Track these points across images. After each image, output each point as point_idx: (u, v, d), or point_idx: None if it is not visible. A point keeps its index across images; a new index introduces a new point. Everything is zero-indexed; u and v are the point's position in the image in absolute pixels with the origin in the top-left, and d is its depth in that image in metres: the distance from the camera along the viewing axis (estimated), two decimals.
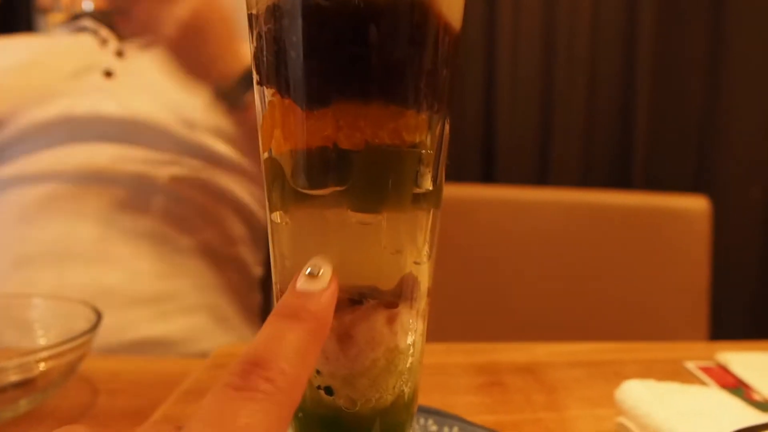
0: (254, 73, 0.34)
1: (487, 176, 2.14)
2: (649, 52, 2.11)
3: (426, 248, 0.35)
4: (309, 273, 0.31)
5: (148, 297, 1.01)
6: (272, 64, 0.32)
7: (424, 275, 0.35)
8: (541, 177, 2.14)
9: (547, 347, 0.83)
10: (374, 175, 0.32)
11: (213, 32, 0.94)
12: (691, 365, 0.76)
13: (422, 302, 0.35)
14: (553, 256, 1.41)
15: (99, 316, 0.64)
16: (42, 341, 0.70)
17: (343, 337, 0.33)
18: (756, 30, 2.13)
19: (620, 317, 1.37)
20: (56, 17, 1.63)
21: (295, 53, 0.31)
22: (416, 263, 0.34)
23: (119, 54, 1.27)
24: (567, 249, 1.41)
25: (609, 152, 2.16)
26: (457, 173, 2.06)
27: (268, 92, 0.33)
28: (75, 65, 1.23)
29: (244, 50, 0.96)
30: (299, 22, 0.30)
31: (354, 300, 0.33)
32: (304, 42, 0.30)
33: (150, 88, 1.16)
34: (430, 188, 0.34)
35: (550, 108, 2.15)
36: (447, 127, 0.34)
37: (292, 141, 0.32)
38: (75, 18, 1.44)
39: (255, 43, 0.33)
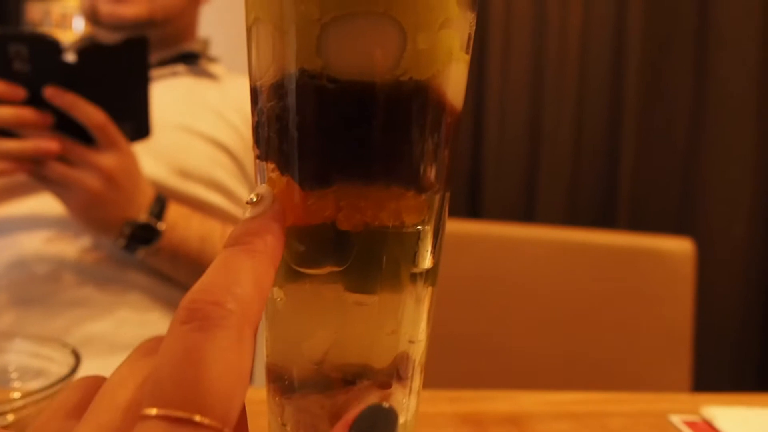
0: (254, 147, 0.33)
1: (474, 213, 2.14)
2: (635, 94, 2.13)
3: (422, 326, 0.34)
4: (249, 202, 0.31)
5: (132, 344, 1.00)
6: (273, 141, 0.32)
7: (419, 352, 0.35)
8: (528, 215, 2.14)
9: (531, 396, 0.82)
10: (372, 256, 0.31)
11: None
12: (676, 419, 0.76)
13: (417, 380, 0.35)
14: (537, 295, 1.41)
15: (78, 360, 0.63)
16: (16, 384, 0.68)
17: (335, 419, 0.32)
18: (739, 69, 2.15)
19: (604, 358, 1.37)
20: None
21: (297, 133, 0.30)
22: (411, 342, 0.34)
23: None
24: (551, 288, 1.41)
25: (595, 191, 2.17)
26: None
27: (267, 167, 0.32)
28: None
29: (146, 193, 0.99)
30: (303, 102, 0.30)
31: (347, 380, 0.32)
32: (306, 122, 0.30)
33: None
34: (428, 267, 0.34)
35: (537, 147, 2.16)
36: (446, 205, 0.34)
37: (291, 219, 0.31)
38: None
39: (257, 117, 0.33)
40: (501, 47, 2.15)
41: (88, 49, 0.92)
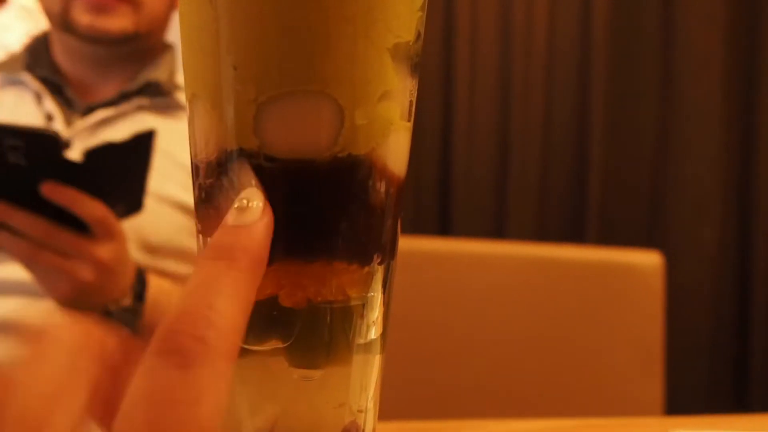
0: (196, 220, 0.33)
1: (444, 229, 2.15)
2: (601, 106, 2.15)
3: (371, 394, 0.34)
4: (238, 207, 0.28)
5: None
6: (213, 217, 0.31)
7: (369, 421, 0.34)
8: (498, 230, 2.15)
9: (500, 425, 0.82)
10: (317, 331, 0.31)
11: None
12: None
13: None
14: (506, 312, 1.41)
15: None
16: None
17: None
18: (702, 75, 2.17)
19: (574, 376, 1.38)
20: None
21: None
22: (360, 411, 0.34)
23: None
24: (520, 305, 1.41)
25: (564, 205, 2.18)
26: (413, 226, 2.06)
27: (207, 243, 0.32)
28: None
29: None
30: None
31: None
32: None
33: None
34: (376, 337, 0.33)
35: (506, 161, 2.17)
36: (393, 272, 0.34)
37: None
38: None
39: (197, 193, 0.32)
40: (468, 59, 2.16)
41: (96, 149, 0.88)
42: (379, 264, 0.32)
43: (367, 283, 0.32)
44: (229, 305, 0.25)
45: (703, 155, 2.15)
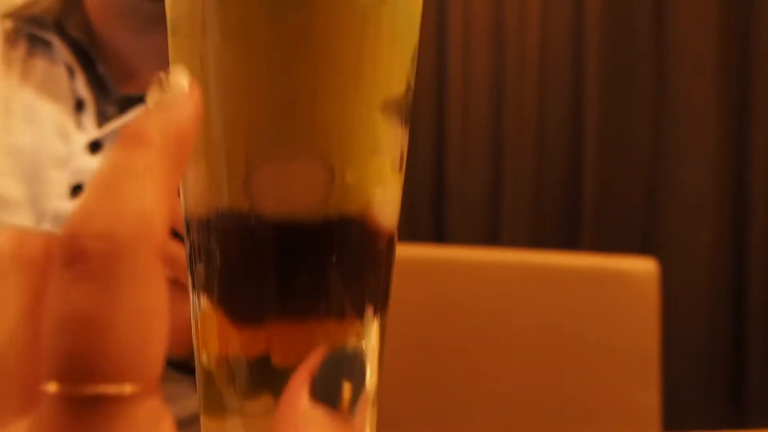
0: (188, 274, 0.33)
1: (438, 235, 2.15)
2: (596, 109, 2.15)
3: None
4: (157, 84, 0.23)
5: None
6: (204, 274, 0.31)
7: None
8: (493, 236, 2.15)
9: None
10: None
11: None
12: None
13: None
14: (501, 319, 1.41)
15: None
16: None
17: None
18: (697, 78, 2.17)
19: (571, 383, 1.38)
20: None
21: (227, 270, 0.30)
22: None
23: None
24: (516, 313, 1.41)
25: (558, 211, 2.18)
26: (408, 233, 2.06)
27: (199, 299, 0.32)
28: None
29: None
30: (231, 240, 0.30)
31: None
32: (235, 260, 0.30)
33: None
34: (370, 388, 0.33)
35: (500, 167, 2.17)
36: (385, 325, 0.34)
37: (223, 353, 0.31)
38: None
39: (188, 248, 0.32)
40: (461, 67, 2.16)
41: None
42: (372, 316, 0.32)
43: (359, 337, 0.32)
44: (140, 191, 0.20)
45: (697, 160, 2.15)
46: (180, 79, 0.24)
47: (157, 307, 0.20)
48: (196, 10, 0.29)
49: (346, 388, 0.24)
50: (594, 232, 2.15)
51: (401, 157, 0.33)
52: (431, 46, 2.15)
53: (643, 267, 1.40)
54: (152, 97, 0.24)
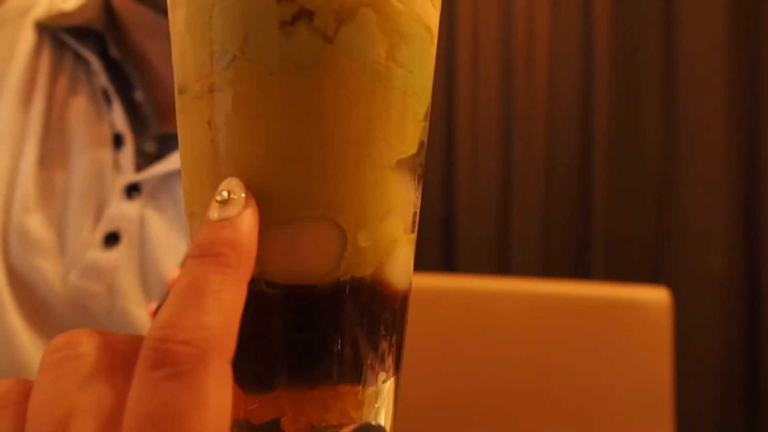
0: None
1: (448, 264, 2.14)
2: (604, 138, 2.14)
3: None
4: (219, 199, 0.26)
5: None
6: None
7: None
8: (503, 265, 2.14)
9: None
10: None
11: None
12: None
13: None
14: (513, 349, 1.40)
15: None
16: None
17: None
18: (706, 98, 2.16)
19: (583, 413, 1.36)
20: None
21: (237, 336, 0.29)
22: None
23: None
24: (527, 342, 1.40)
25: (568, 239, 2.17)
26: (418, 263, 2.05)
27: None
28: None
29: None
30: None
31: None
32: (245, 327, 0.29)
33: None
34: None
35: (509, 196, 2.17)
36: (398, 388, 0.33)
37: (234, 417, 0.30)
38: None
39: None
40: (469, 98, 2.16)
41: None
42: (384, 382, 0.31)
43: (371, 404, 0.31)
44: (218, 303, 0.24)
45: (708, 185, 2.14)
46: (239, 192, 0.27)
47: (226, 407, 0.23)
48: (204, 73, 0.28)
49: None
50: (605, 259, 2.13)
51: (414, 217, 0.32)
52: (439, 77, 2.15)
53: (656, 296, 1.39)
54: (214, 209, 0.26)
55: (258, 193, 0.28)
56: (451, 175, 2.18)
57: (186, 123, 0.30)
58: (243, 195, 0.27)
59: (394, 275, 0.31)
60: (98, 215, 0.81)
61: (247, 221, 0.26)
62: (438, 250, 2.16)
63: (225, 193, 0.27)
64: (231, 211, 0.26)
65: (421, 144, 0.31)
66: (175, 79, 0.31)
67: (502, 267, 2.14)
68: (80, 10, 0.88)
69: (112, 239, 0.80)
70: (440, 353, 1.40)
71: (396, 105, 0.29)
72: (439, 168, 2.18)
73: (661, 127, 2.16)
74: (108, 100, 0.85)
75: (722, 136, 2.15)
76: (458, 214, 2.16)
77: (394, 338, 0.31)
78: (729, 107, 2.13)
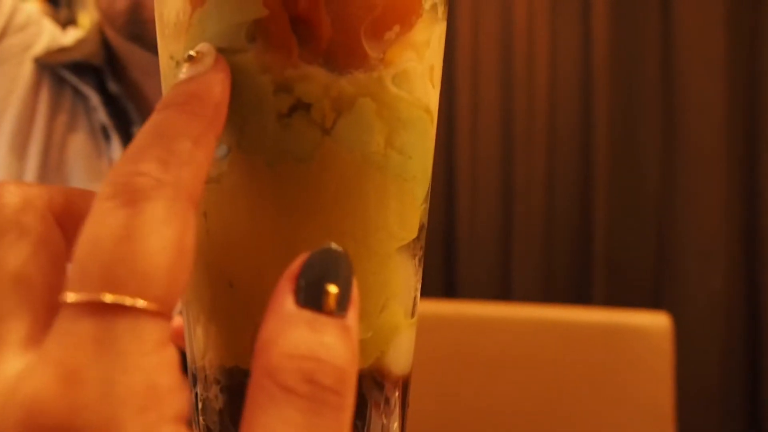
0: (193, 426, 0.31)
1: (449, 290, 2.14)
2: (604, 159, 2.14)
3: None
4: (188, 58, 0.25)
5: None
6: (207, 430, 0.30)
7: None
8: (504, 291, 2.14)
9: None
10: None
11: None
12: None
13: None
14: (514, 375, 1.40)
15: None
16: None
17: None
18: (705, 122, 2.16)
19: None
20: None
21: (234, 429, 0.29)
22: None
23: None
24: (528, 368, 1.40)
25: (569, 264, 2.17)
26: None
27: None
28: None
29: None
30: (238, 400, 0.28)
31: None
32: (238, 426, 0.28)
33: None
34: None
35: (510, 221, 2.17)
36: None
37: None
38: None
39: (194, 400, 0.31)
40: (469, 122, 2.16)
41: None
42: None
43: None
44: (181, 146, 0.23)
45: (708, 208, 2.14)
46: (209, 51, 0.26)
47: (184, 242, 0.21)
48: None
49: (332, 289, 0.23)
50: (606, 283, 2.13)
51: (415, 300, 0.32)
52: (440, 96, 2.14)
53: (656, 322, 1.39)
54: (185, 69, 0.25)
55: (254, 288, 0.28)
56: (452, 200, 2.18)
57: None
58: (212, 54, 0.26)
59: (395, 363, 0.30)
60: None
61: (219, 80, 0.25)
62: (439, 274, 2.16)
63: (193, 52, 0.26)
64: (200, 67, 0.25)
65: (422, 226, 0.31)
66: None
67: (504, 291, 2.14)
68: (80, 44, 0.90)
69: None
70: (441, 377, 1.39)
71: (395, 192, 0.28)
72: (441, 192, 2.18)
73: (660, 150, 2.16)
74: (107, 137, 0.86)
75: (722, 159, 2.15)
76: (459, 238, 2.16)
77: (395, 425, 0.31)
78: (728, 129, 2.13)
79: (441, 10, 0.30)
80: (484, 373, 1.40)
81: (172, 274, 0.21)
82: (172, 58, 0.28)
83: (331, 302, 0.23)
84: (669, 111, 2.16)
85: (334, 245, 0.23)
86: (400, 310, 0.30)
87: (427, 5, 0.29)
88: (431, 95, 0.30)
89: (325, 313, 0.23)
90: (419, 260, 0.31)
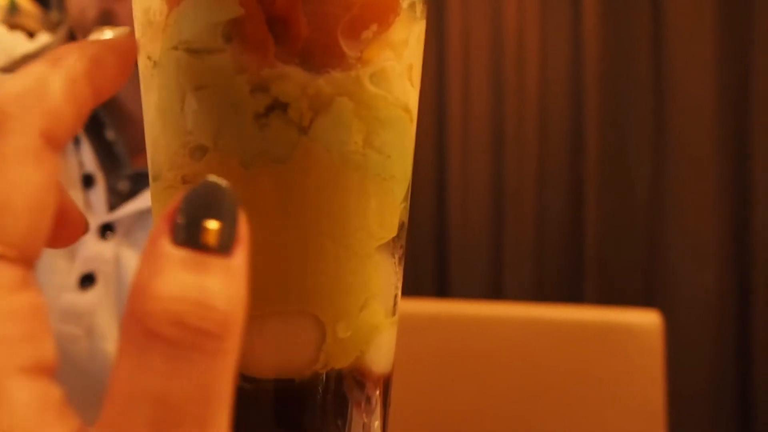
0: None
1: (441, 290, 2.14)
2: (594, 160, 2.15)
3: None
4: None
5: None
6: None
7: None
8: (496, 290, 2.14)
9: None
10: None
11: None
12: None
13: None
14: (506, 374, 1.40)
15: None
16: None
17: None
18: (695, 122, 2.17)
19: None
20: None
21: None
22: None
23: None
24: (519, 367, 1.40)
25: (561, 262, 2.17)
26: (411, 288, 2.05)
27: None
28: None
29: None
30: None
31: None
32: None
33: None
34: None
35: (502, 220, 2.17)
36: None
37: None
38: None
39: None
40: (460, 119, 2.16)
41: None
42: None
43: None
44: (43, 88, 0.22)
45: (699, 206, 2.14)
46: (121, 32, 0.26)
47: (41, 182, 0.20)
48: (177, 163, 0.28)
49: (211, 225, 0.20)
50: (597, 282, 2.13)
51: (395, 299, 0.32)
52: (431, 99, 2.16)
53: (647, 320, 1.39)
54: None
55: None
56: (443, 199, 2.18)
57: (160, 212, 0.29)
58: (125, 34, 0.26)
59: (375, 362, 0.30)
60: (72, 257, 0.80)
61: (107, 44, 0.25)
62: (431, 274, 2.16)
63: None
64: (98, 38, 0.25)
65: (401, 225, 0.31)
66: (149, 163, 0.30)
67: (496, 291, 2.14)
68: (44, 50, 0.88)
69: (87, 281, 0.79)
70: (433, 378, 1.39)
71: (374, 192, 0.28)
72: (431, 193, 2.18)
73: (651, 150, 2.16)
74: (76, 141, 0.84)
75: (712, 159, 2.15)
76: (451, 237, 2.16)
77: (377, 424, 0.31)
78: (718, 129, 2.14)
79: (419, 9, 0.30)
80: (476, 372, 1.40)
81: (31, 219, 0.20)
82: (149, 58, 0.28)
83: (211, 239, 0.20)
84: (659, 112, 2.16)
85: (214, 177, 0.21)
86: (380, 309, 0.30)
87: (405, 4, 0.28)
88: (410, 94, 0.30)
89: (204, 252, 0.20)
90: (399, 259, 0.31)
